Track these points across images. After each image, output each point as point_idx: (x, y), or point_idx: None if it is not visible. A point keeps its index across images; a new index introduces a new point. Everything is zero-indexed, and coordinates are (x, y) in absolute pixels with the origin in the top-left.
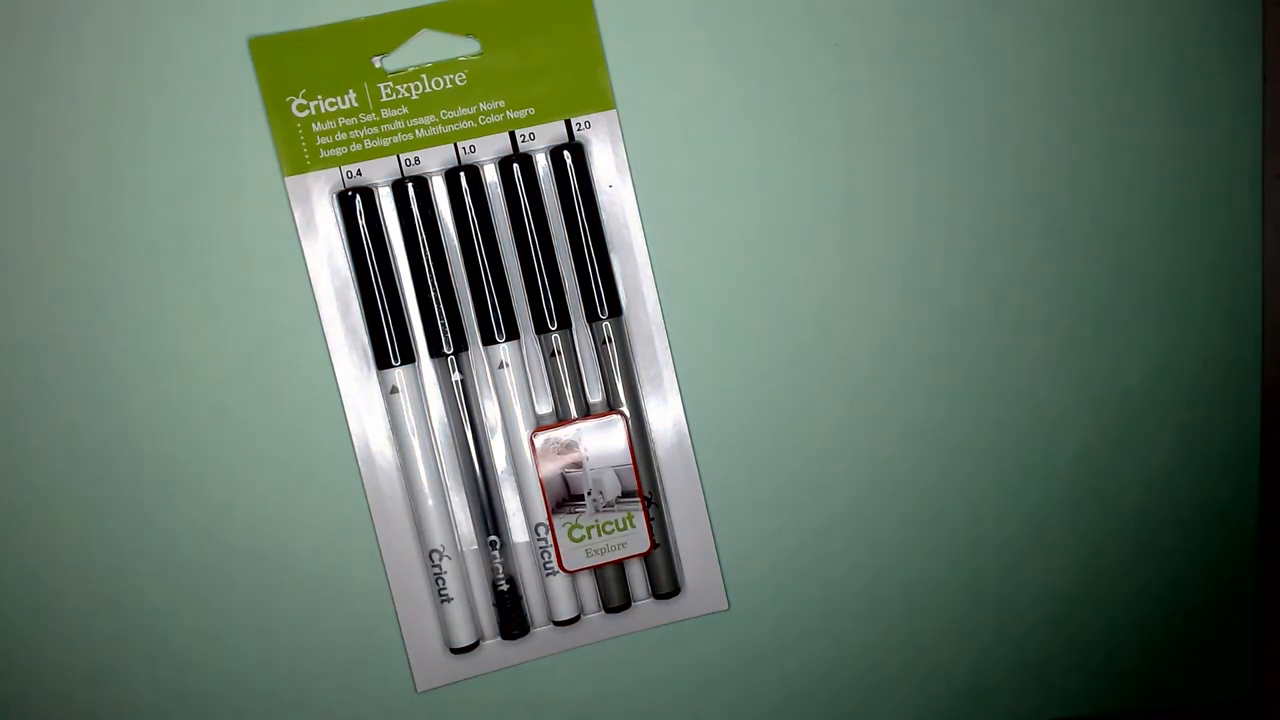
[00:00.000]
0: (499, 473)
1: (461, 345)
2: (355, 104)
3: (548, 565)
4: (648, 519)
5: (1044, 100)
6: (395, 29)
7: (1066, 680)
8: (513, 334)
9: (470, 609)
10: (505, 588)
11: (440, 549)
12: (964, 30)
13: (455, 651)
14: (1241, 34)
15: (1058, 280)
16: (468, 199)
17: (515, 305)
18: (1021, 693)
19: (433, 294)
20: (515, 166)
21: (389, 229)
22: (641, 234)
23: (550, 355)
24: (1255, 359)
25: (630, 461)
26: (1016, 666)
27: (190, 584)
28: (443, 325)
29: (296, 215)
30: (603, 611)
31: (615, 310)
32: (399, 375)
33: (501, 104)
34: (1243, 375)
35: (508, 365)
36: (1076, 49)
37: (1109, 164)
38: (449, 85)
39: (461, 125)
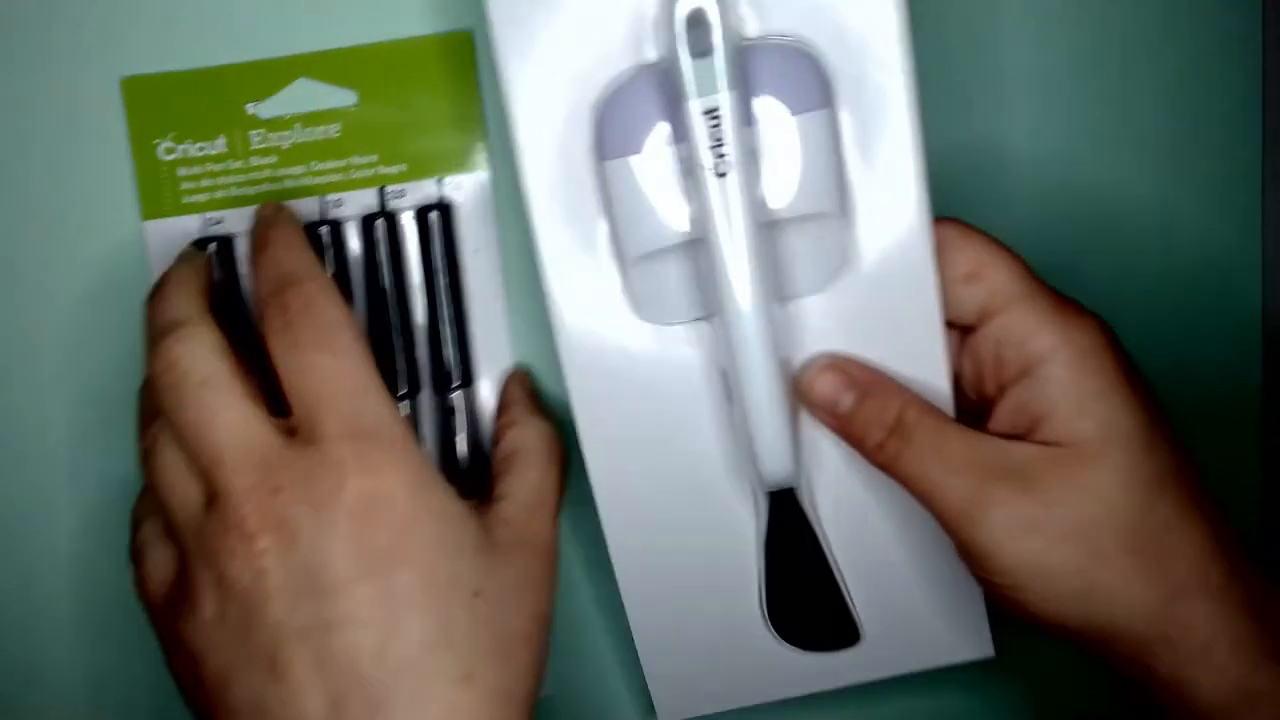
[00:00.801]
0: None
1: None
2: (225, 150)
3: None
4: None
5: (1043, 99)
6: (273, 76)
7: (1067, 684)
8: None
9: None
10: None
11: None
12: (961, 28)
13: None
14: (1241, 34)
15: (1057, 280)
16: (328, 255)
17: None
18: (1020, 694)
19: None
20: (378, 224)
21: (246, 280)
22: (505, 301)
23: None
24: (1255, 358)
25: None
26: (1017, 670)
27: None
28: None
29: (152, 260)
30: None
31: (466, 380)
32: None
33: (375, 158)
34: (1243, 375)
35: None
36: (1076, 48)
37: (1109, 163)
38: (322, 136)
39: (331, 178)
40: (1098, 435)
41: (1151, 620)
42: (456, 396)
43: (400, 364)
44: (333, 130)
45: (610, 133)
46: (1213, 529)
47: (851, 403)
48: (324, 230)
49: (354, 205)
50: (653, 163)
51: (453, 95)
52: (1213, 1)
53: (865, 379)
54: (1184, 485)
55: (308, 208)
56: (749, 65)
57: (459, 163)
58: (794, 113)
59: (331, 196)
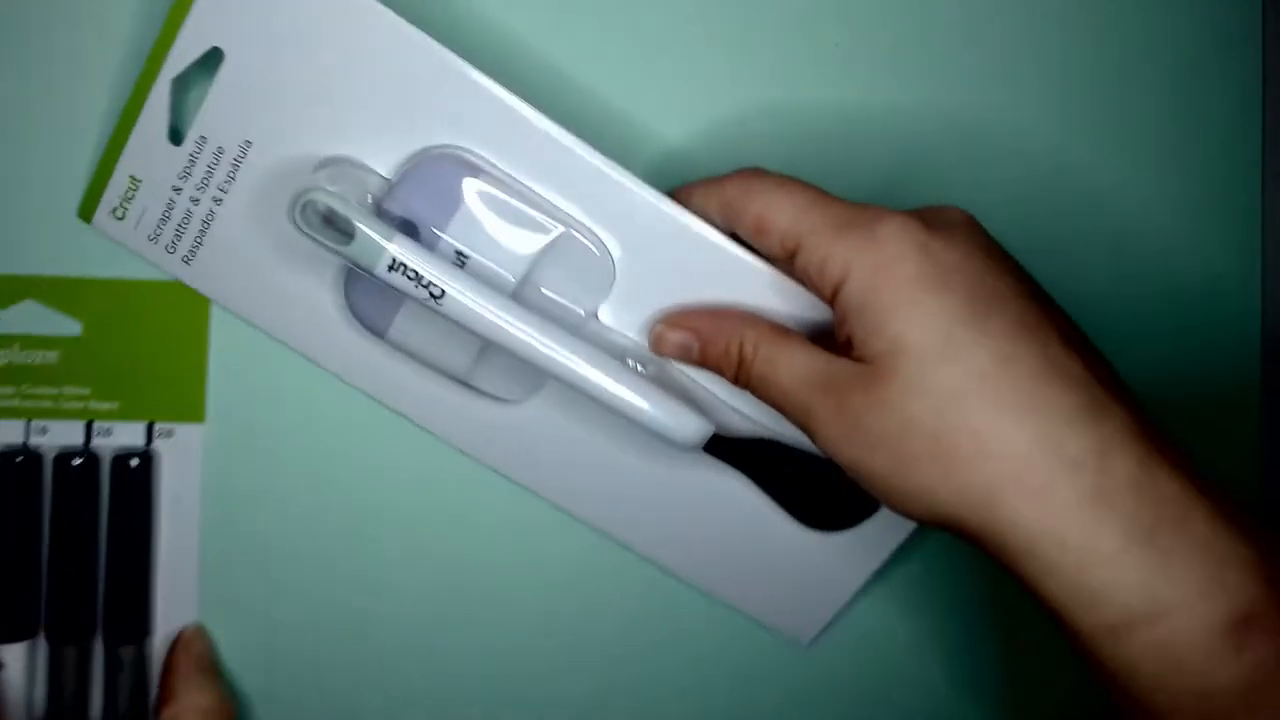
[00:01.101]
0: None
1: None
2: None
3: None
4: None
5: (1043, 100)
6: None
7: (1067, 687)
8: (25, 634)
9: None
10: None
11: None
12: (961, 31)
13: None
14: (1241, 34)
15: (1056, 281)
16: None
17: (41, 606)
18: (1019, 697)
19: None
20: (74, 461)
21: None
22: (198, 554)
23: (57, 669)
24: (1255, 359)
25: None
26: (1014, 670)
27: None
28: None
29: None
30: None
31: (140, 634)
32: None
33: (87, 391)
34: (1243, 375)
35: (5, 666)
36: (1076, 49)
37: (1109, 164)
38: (40, 360)
39: (42, 403)
40: (888, 351)
41: (968, 521)
42: (127, 652)
43: (73, 611)
44: (51, 356)
45: (368, 317)
46: (1040, 427)
47: (698, 350)
48: (19, 461)
49: (60, 435)
50: (413, 314)
51: (179, 344)
52: (1212, 1)
53: (703, 324)
54: (1002, 385)
55: (13, 431)
56: (405, 193)
57: (173, 410)
58: (462, 200)
59: (38, 423)
